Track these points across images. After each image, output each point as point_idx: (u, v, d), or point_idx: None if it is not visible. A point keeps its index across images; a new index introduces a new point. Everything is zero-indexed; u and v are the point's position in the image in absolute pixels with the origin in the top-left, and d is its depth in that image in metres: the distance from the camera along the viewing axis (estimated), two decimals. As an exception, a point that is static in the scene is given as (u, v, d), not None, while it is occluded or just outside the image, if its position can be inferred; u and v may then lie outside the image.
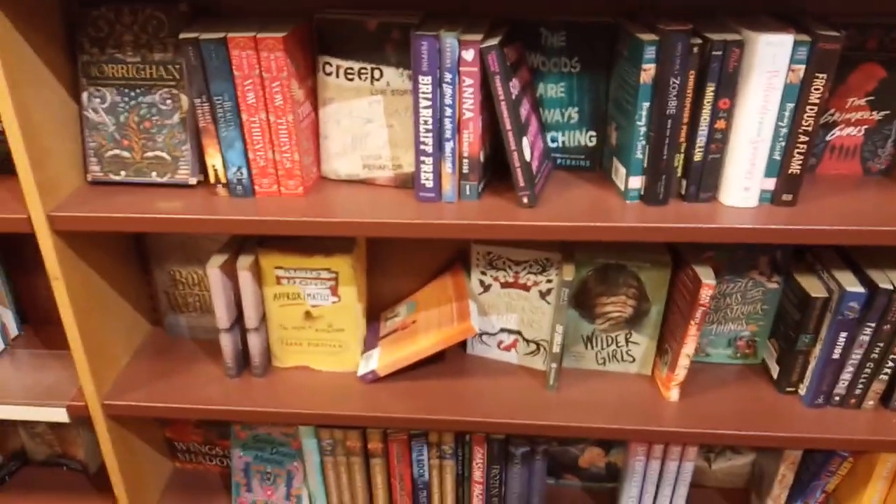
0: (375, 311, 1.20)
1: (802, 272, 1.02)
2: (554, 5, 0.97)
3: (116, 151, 0.97)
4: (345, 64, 0.92)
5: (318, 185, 0.98)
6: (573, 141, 1.01)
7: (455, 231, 0.88)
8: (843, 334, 0.96)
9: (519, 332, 1.11)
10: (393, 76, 0.91)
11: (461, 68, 0.85)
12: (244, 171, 0.93)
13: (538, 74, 0.98)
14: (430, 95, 0.86)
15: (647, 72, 0.84)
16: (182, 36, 0.86)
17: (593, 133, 1.00)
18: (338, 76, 0.93)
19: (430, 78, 0.85)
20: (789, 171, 0.87)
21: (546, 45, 0.96)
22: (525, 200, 0.90)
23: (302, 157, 0.93)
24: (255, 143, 0.91)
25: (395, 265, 1.18)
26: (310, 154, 0.96)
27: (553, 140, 1.01)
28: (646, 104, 0.86)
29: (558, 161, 1.02)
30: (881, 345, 0.97)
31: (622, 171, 0.92)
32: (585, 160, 1.01)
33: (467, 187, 0.92)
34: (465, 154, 0.90)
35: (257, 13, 0.98)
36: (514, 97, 0.86)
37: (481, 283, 1.09)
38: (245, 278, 1.00)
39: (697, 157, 0.88)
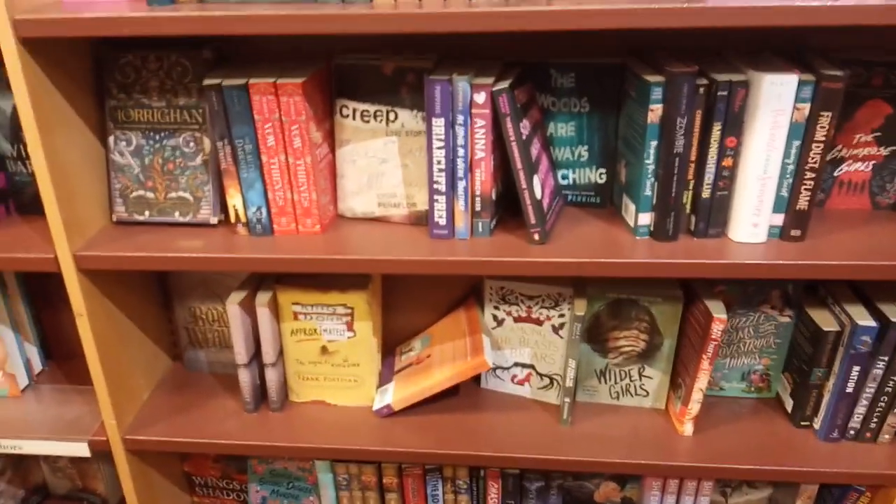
0: (391, 346, 1.22)
1: (814, 306, 1.03)
2: (563, 48, 1.00)
3: (141, 192, 1.00)
4: (361, 106, 0.95)
5: (334, 223, 1.00)
6: (583, 178, 1.03)
7: (467, 268, 0.90)
8: (857, 368, 0.97)
9: (532, 367, 1.12)
10: (408, 118, 0.94)
11: (473, 110, 0.88)
12: (263, 210, 0.95)
13: (548, 114, 1.00)
14: (442, 136, 0.89)
15: (655, 112, 0.86)
16: (206, 82, 0.89)
17: (603, 170, 1.02)
18: (354, 118, 0.96)
19: (442, 120, 0.88)
20: (797, 207, 0.89)
21: (556, 86, 0.99)
22: (536, 237, 0.92)
23: (319, 197, 0.95)
24: (274, 184, 0.94)
25: (410, 300, 1.20)
26: (327, 193, 0.99)
27: (564, 178, 1.03)
28: (653, 143, 0.88)
29: (569, 198, 1.04)
30: (895, 378, 0.97)
31: (632, 207, 0.94)
32: (595, 197, 1.03)
33: (480, 224, 0.94)
34: (478, 192, 0.92)
35: (277, 58, 1.02)
36: (524, 137, 0.89)
37: (494, 317, 1.11)
38: (263, 314, 1.03)
39: (705, 193, 0.90)
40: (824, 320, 0.99)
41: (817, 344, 0.99)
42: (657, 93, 0.85)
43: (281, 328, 1.07)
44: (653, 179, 0.90)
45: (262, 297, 1.03)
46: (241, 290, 1.05)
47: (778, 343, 1.08)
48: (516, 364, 1.13)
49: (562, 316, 1.06)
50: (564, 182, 1.03)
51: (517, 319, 1.10)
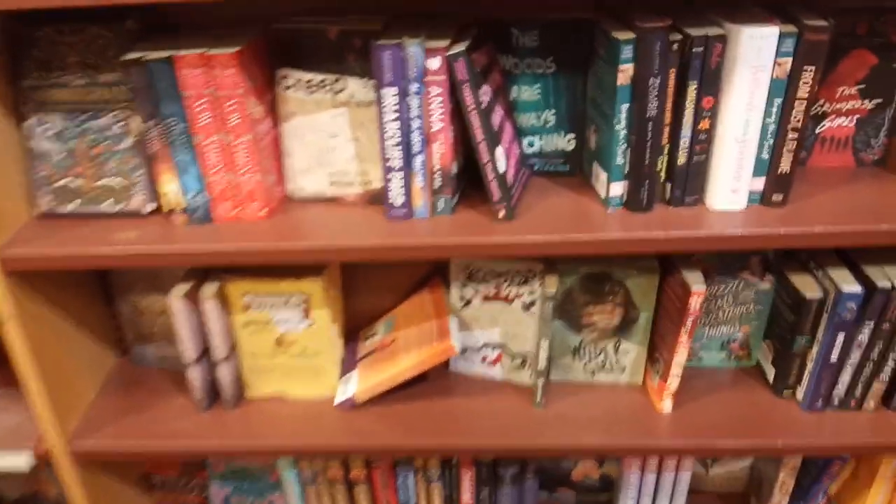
0: (353, 330, 1.15)
1: (796, 271, 0.98)
2: (524, 3, 0.92)
3: (66, 181, 0.90)
4: (305, 76, 0.86)
5: (282, 206, 0.92)
6: (551, 145, 0.96)
7: (428, 252, 0.83)
8: (841, 335, 0.92)
9: (503, 346, 1.06)
10: (357, 87, 0.86)
11: (427, 78, 0.79)
12: (202, 196, 0.87)
13: (511, 77, 0.92)
14: (395, 107, 0.80)
15: (625, 72, 0.79)
16: (126, 57, 0.80)
17: (572, 136, 0.95)
18: (298, 89, 0.87)
19: (394, 89, 0.80)
20: (779, 171, 0.83)
21: (518, 47, 0.91)
22: (501, 214, 0.85)
23: (264, 178, 0.87)
24: (211, 167, 0.85)
25: (371, 281, 1.13)
26: (272, 173, 0.90)
27: (530, 145, 0.96)
28: (625, 106, 0.81)
29: (536, 167, 0.97)
30: (880, 344, 0.93)
31: (603, 176, 0.87)
32: (564, 164, 0.96)
33: (440, 202, 0.87)
34: (437, 167, 0.85)
35: (211, 26, 0.92)
36: (484, 105, 0.81)
37: (461, 297, 1.04)
38: (211, 307, 0.95)
39: (682, 159, 0.83)
40: (807, 286, 0.95)
41: (799, 311, 0.95)
42: (627, 51, 0.77)
43: (231, 320, 0.99)
44: (625, 146, 0.83)
45: (209, 289, 0.95)
46: (185, 281, 0.96)
47: (758, 310, 1.03)
48: (486, 345, 1.07)
49: (532, 293, 1.00)
50: (530, 150, 0.96)
51: (486, 298, 1.03)
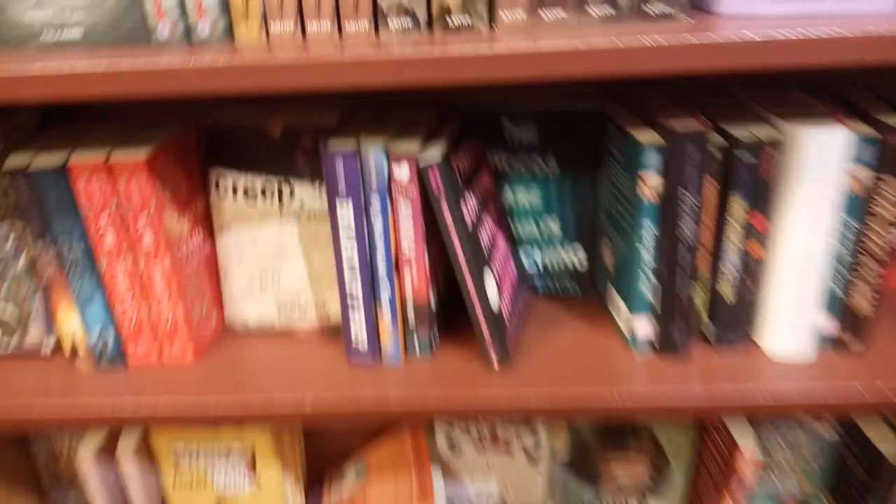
0: (317, 472, 0.95)
1: (869, 418, 0.77)
2: (517, 92, 0.74)
3: (-52, 309, 0.73)
4: (244, 179, 0.69)
5: (218, 343, 0.73)
6: (555, 261, 0.77)
7: (401, 412, 0.64)
8: (933, 506, 0.71)
9: (503, 502, 0.85)
10: (308, 194, 0.68)
11: (393, 191, 0.61)
12: (110, 333, 0.68)
13: (504, 178, 0.74)
14: (351, 226, 0.62)
15: (650, 184, 0.60)
16: (6, 166, 0.62)
17: (580, 249, 0.76)
18: (236, 196, 0.70)
19: (350, 203, 0.62)
20: (854, 310, 0.63)
21: (512, 142, 0.73)
22: (494, 361, 0.66)
23: (189, 310, 0.68)
24: (120, 297, 0.67)
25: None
26: (203, 301, 0.72)
27: (530, 260, 0.77)
28: (649, 224, 0.62)
29: (539, 287, 0.78)
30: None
31: (623, 307, 0.68)
32: (574, 284, 0.78)
33: (416, 342, 0.68)
34: (410, 299, 0.66)
35: (130, 119, 0.75)
36: (470, 224, 0.62)
37: (449, 441, 0.84)
38: (130, 465, 0.75)
39: (726, 291, 0.64)
40: (883, 439, 0.74)
41: (874, 470, 0.74)
42: (653, 158, 0.59)
43: (160, 480, 0.79)
44: (650, 274, 0.64)
45: (127, 442, 0.76)
46: (99, 428, 0.77)
47: (821, 464, 0.82)
48: (481, 498, 0.86)
49: (538, 444, 0.80)
50: (530, 265, 0.78)
51: (479, 444, 0.83)
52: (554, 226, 0.76)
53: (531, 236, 0.76)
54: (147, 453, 0.77)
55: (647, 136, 0.60)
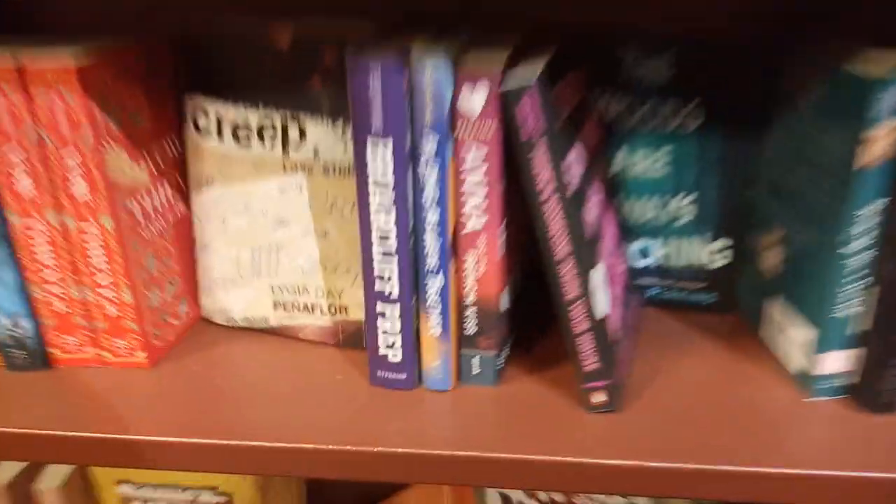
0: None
1: None
2: (637, 13, 0.51)
3: None
4: (232, 112, 0.46)
5: (186, 343, 0.51)
6: (683, 257, 0.53)
7: (444, 468, 0.41)
8: None
9: (572, 582, 0.62)
10: (325, 137, 0.45)
11: (458, 129, 0.38)
12: (26, 322, 0.47)
13: (616, 134, 0.51)
14: (390, 184, 0.40)
15: (880, 141, 0.36)
16: None
17: (723, 243, 0.52)
18: (222, 136, 0.47)
19: (387, 146, 0.39)
20: None
21: (632, 80, 0.49)
22: (600, 400, 0.42)
23: (142, 294, 0.47)
24: (41, 271, 0.45)
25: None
26: (166, 283, 0.50)
27: (643, 255, 0.54)
28: (872, 207, 0.38)
29: (653, 293, 0.55)
30: None
31: (798, 334, 0.44)
32: (708, 292, 0.54)
33: (475, 362, 0.45)
34: (471, 299, 0.43)
35: (105, 26, 0.54)
36: (572, 189, 0.39)
37: (504, 499, 0.61)
38: (62, 506, 0.54)
39: (985, 321, 0.40)
40: None
41: None
42: (890, 99, 0.35)
43: (105, 525, 0.58)
44: (861, 286, 0.40)
45: (56, 476, 0.54)
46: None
47: None
48: (543, 576, 0.63)
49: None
50: (643, 263, 0.54)
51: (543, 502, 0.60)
52: (685, 207, 0.52)
53: (648, 220, 0.53)
54: (84, 492, 0.56)
55: (876, 68, 0.35)
